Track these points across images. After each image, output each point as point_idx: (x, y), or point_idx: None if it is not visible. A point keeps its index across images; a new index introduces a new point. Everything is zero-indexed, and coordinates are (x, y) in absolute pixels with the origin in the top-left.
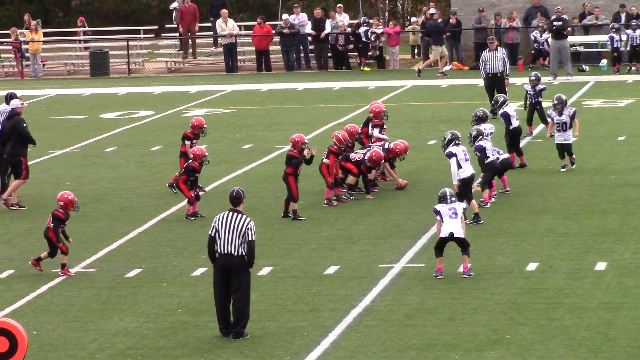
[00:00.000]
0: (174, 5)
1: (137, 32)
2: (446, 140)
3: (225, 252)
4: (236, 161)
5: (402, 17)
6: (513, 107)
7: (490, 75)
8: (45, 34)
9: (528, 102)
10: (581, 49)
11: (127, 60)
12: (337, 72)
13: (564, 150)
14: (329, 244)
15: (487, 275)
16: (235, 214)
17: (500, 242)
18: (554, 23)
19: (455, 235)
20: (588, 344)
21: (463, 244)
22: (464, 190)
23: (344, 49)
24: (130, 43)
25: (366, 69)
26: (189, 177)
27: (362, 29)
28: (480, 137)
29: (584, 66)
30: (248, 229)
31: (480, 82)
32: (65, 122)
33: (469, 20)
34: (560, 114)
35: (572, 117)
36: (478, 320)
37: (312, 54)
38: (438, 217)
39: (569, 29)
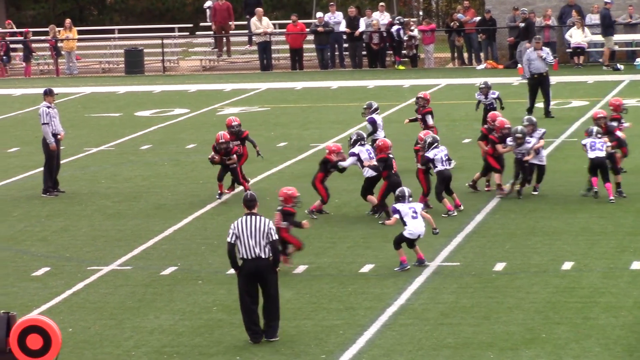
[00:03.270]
0: (208, 3)
1: (172, 30)
2: (352, 140)
3: (253, 256)
4: (271, 159)
5: (436, 15)
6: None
7: (535, 75)
8: (80, 32)
9: (482, 107)
10: (616, 47)
11: (161, 58)
12: (372, 71)
13: (539, 172)
14: (364, 243)
15: (522, 274)
16: (253, 217)
17: (535, 241)
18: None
19: (421, 237)
20: (623, 343)
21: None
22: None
23: (379, 48)
24: (165, 41)
25: (400, 67)
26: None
27: (395, 28)
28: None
29: (618, 65)
30: (270, 228)
31: (514, 80)
32: (100, 119)
33: (503, 19)
34: (531, 135)
35: (541, 138)
36: (513, 319)
37: (347, 53)
38: (397, 216)
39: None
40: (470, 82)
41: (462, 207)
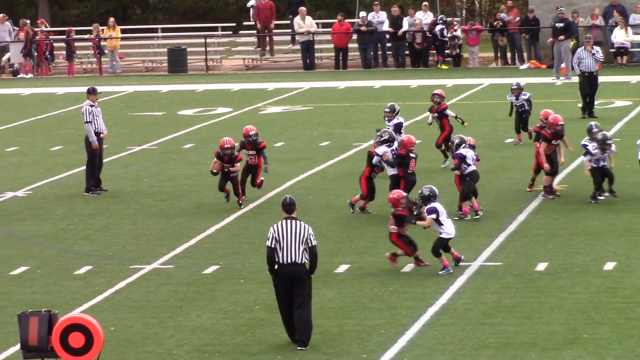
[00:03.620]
0: (252, 2)
1: (215, 29)
2: (381, 139)
3: (290, 261)
4: (313, 159)
5: (479, 15)
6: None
7: (586, 74)
8: (123, 31)
9: (514, 110)
10: None
11: (204, 57)
12: (414, 70)
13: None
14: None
15: (564, 274)
16: (292, 221)
17: (577, 241)
18: (557, 24)
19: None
20: None
21: None
22: None
23: (421, 47)
24: (208, 40)
25: (443, 67)
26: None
27: (438, 28)
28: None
29: None
30: (310, 234)
31: (557, 80)
32: (143, 118)
33: (546, 19)
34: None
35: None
36: (555, 319)
37: (390, 52)
38: (433, 216)
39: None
40: (513, 82)
41: (480, 213)
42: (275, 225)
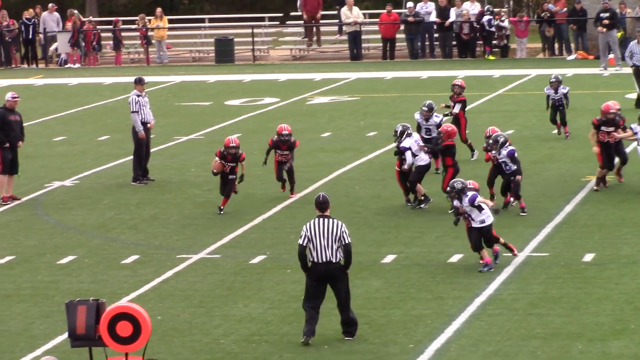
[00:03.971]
0: None
1: (262, 19)
2: (398, 132)
3: (324, 260)
4: (360, 149)
5: (527, 5)
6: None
7: (639, 67)
8: (171, 21)
9: (551, 103)
10: None
11: (252, 47)
12: (462, 61)
13: None
14: (453, 232)
15: (611, 265)
16: (326, 219)
17: (625, 232)
18: (601, 14)
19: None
20: None
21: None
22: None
23: (469, 38)
24: (255, 30)
25: (491, 57)
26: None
27: (485, 18)
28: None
29: None
30: (343, 232)
31: (605, 71)
32: (191, 108)
33: (593, 10)
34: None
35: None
36: (602, 310)
37: (437, 42)
38: (481, 198)
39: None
40: (561, 73)
41: (513, 203)
42: (308, 224)
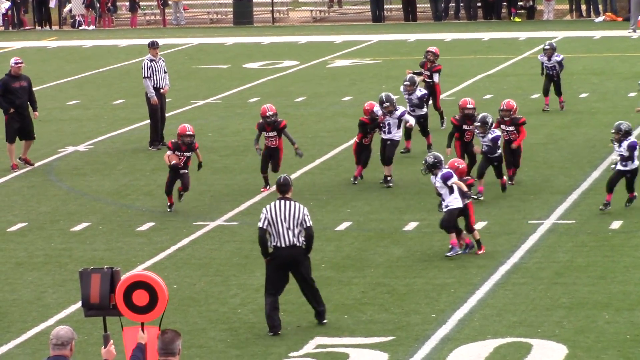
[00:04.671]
0: None
1: None
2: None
3: (287, 244)
4: None
5: None
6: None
7: None
8: None
9: (545, 72)
10: None
11: (271, 9)
12: (487, 23)
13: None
14: (477, 199)
15: (639, 233)
16: (287, 202)
17: None
18: None
19: None
20: None
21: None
22: None
23: None
24: None
25: (516, 19)
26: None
27: None
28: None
29: None
30: (305, 215)
31: (634, 34)
32: (208, 71)
33: None
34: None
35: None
36: (630, 279)
37: (462, 4)
38: (455, 179)
39: None
40: (588, 35)
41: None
42: (268, 206)
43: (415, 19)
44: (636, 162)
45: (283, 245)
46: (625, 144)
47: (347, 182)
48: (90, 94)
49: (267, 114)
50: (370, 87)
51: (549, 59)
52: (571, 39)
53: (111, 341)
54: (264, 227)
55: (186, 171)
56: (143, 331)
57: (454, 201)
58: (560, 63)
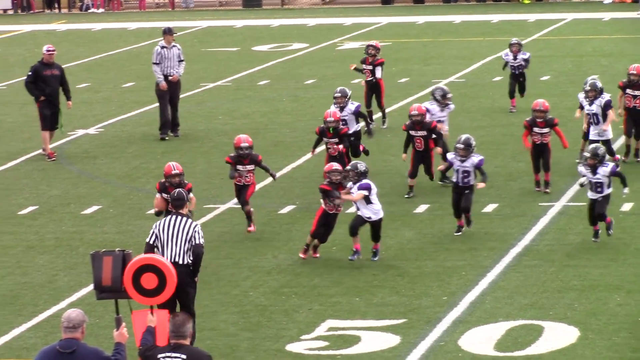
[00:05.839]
0: None
1: None
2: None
3: (172, 262)
4: (392, 95)
5: None
6: None
7: None
8: None
9: (509, 72)
10: None
11: None
12: (496, 5)
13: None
14: (488, 182)
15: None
16: (179, 217)
17: None
18: None
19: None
20: None
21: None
22: None
23: None
24: None
25: (525, 1)
26: None
27: None
28: None
29: None
30: (195, 232)
31: None
32: (217, 54)
33: None
34: (591, 104)
35: (605, 108)
36: None
37: None
38: (366, 192)
39: None
40: (597, 17)
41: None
42: (158, 221)
43: (424, 1)
44: (611, 188)
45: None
46: (604, 169)
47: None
48: (99, 77)
49: (242, 145)
50: None
51: (515, 57)
52: (580, 20)
53: (123, 324)
54: (151, 243)
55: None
56: (152, 314)
57: (369, 212)
58: (526, 61)
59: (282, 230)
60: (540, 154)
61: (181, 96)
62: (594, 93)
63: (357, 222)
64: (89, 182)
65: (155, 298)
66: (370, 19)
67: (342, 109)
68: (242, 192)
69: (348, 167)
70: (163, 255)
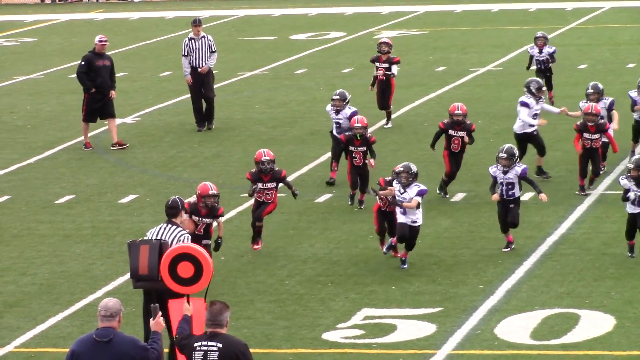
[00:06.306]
0: None
1: None
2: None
3: None
4: (429, 84)
5: None
6: None
7: None
8: None
9: (536, 67)
10: None
11: None
12: None
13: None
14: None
15: None
16: (171, 226)
17: None
18: None
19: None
20: None
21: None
22: None
23: None
24: None
25: None
26: None
27: None
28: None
29: None
30: (177, 238)
31: None
32: (254, 43)
33: None
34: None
35: (609, 109)
36: None
37: None
38: (419, 199)
39: None
40: (636, 5)
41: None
42: (153, 229)
43: None
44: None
45: None
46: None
47: (394, 153)
48: (137, 66)
49: (263, 159)
50: (417, 58)
51: (540, 51)
52: (618, 9)
53: (159, 312)
54: None
55: (208, 241)
56: (189, 303)
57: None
58: (552, 55)
59: (318, 219)
60: (587, 159)
61: (218, 85)
62: (597, 95)
63: (405, 231)
64: (126, 171)
65: (191, 287)
66: (408, 7)
67: (337, 112)
68: (260, 207)
69: (400, 169)
70: None
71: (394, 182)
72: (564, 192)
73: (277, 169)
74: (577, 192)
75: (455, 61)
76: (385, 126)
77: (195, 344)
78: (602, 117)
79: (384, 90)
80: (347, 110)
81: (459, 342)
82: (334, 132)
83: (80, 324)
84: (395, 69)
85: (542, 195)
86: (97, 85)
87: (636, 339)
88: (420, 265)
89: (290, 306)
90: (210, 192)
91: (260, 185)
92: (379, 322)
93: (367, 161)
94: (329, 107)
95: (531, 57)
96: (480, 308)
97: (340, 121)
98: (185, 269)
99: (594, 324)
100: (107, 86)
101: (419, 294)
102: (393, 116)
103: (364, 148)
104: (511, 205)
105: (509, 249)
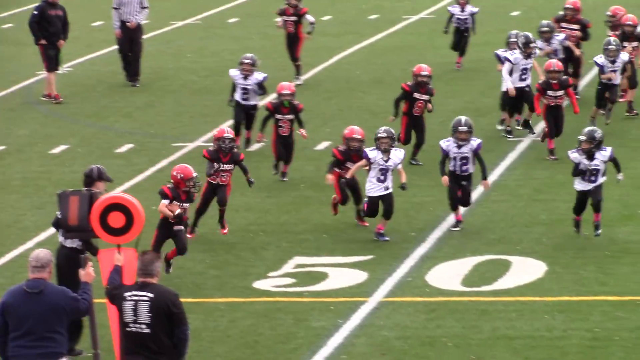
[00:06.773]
0: None
1: None
2: None
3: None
4: (362, 32)
5: None
6: None
7: None
8: None
9: (453, 26)
10: None
11: None
12: None
13: None
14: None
15: (619, 150)
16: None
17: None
18: None
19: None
20: None
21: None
22: None
23: None
24: None
25: None
26: None
27: None
28: None
29: None
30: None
31: None
32: None
33: None
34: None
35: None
36: (610, 195)
37: None
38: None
39: None
40: None
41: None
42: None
43: None
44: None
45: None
46: (603, 154)
47: (327, 102)
48: (70, 15)
49: (224, 135)
50: (350, 5)
51: (462, 10)
52: None
53: (90, 263)
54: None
55: (182, 228)
56: (119, 253)
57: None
58: (473, 16)
59: (250, 169)
60: (555, 118)
61: (150, 34)
62: (549, 34)
63: (376, 206)
64: (57, 121)
65: (122, 237)
66: None
67: (246, 77)
68: (217, 191)
69: (382, 134)
70: None
71: (372, 150)
72: (495, 139)
73: (236, 150)
74: (546, 158)
75: (388, 9)
76: (296, 81)
77: (126, 294)
78: (555, 52)
79: (293, 43)
80: (258, 75)
81: (390, 290)
82: (239, 99)
83: (10, 275)
84: (309, 18)
85: (486, 182)
86: (49, 34)
87: (567, 284)
88: (352, 213)
89: (221, 255)
90: (193, 174)
91: (219, 165)
92: (311, 271)
93: (299, 131)
94: (234, 72)
95: (451, 15)
96: (411, 255)
97: (249, 87)
98: (116, 219)
99: (525, 270)
100: (59, 36)
101: (349, 242)
102: (325, 64)
103: (292, 116)
104: (464, 182)
105: (458, 228)
